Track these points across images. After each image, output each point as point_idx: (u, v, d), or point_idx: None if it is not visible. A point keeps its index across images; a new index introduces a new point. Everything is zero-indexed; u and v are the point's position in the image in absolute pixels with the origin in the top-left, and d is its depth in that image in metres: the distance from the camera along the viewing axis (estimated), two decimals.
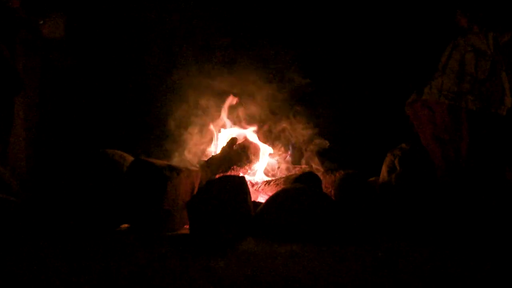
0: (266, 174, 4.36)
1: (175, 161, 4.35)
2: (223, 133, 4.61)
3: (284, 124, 4.60)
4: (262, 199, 3.85)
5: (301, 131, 4.55)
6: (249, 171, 4.22)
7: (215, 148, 4.54)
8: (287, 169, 4.29)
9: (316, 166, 4.23)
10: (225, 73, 4.73)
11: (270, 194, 3.69)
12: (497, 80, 4.06)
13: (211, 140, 4.62)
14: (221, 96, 4.72)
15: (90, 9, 4.98)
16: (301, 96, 4.67)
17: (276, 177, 4.15)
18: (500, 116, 4.00)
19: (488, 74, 4.12)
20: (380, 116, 4.59)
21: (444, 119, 4.25)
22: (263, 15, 4.86)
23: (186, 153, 4.51)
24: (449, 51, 4.29)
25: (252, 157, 4.27)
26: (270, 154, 4.45)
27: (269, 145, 4.51)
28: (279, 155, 4.46)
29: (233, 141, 4.35)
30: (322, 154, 4.34)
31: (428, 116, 4.37)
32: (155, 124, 4.77)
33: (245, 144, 4.33)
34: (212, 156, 4.23)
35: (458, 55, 4.24)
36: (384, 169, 3.66)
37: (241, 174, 4.11)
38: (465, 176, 4.00)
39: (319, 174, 3.97)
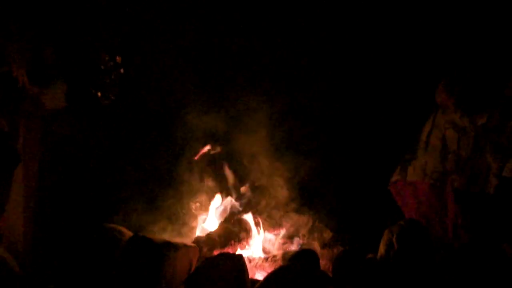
0: (264, 250, 4.22)
1: (172, 236, 4.19)
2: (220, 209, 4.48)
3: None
4: (259, 275, 3.73)
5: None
6: (246, 247, 4.09)
7: (213, 223, 4.41)
8: (285, 244, 4.18)
9: (314, 241, 4.15)
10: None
11: (268, 271, 3.59)
12: (481, 158, 4.12)
13: (208, 215, 4.50)
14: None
15: (91, 78, 4.81)
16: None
17: (274, 254, 4.03)
18: (487, 194, 4.04)
19: (471, 151, 4.18)
20: (377, 189, 4.56)
21: (428, 196, 4.26)
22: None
23: (183, 228, 4.35)
24: (429, 128, 4.36)
25: (250, 232, 4.15)
26: (267, 230, 4.34)
27: (265, 221, 4.41)
28: (277, 230, 4.35)
29: (231, 216, 4.26)
30: (319, 229, 4.28)
31: (411, 194, 4.36)
32: (152, 197, 4.66)
33: (243, 219, 4.24)
34: (210, 232, 4.10)
35: (439, 132, 4.31)
36: (382, 247, 3.59)
37: (238, 250, 4.00)
38: (454, 253, 3.97)
39: (317, 248, 3.91)
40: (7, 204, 3.64)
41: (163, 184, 4.71)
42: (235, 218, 4.26)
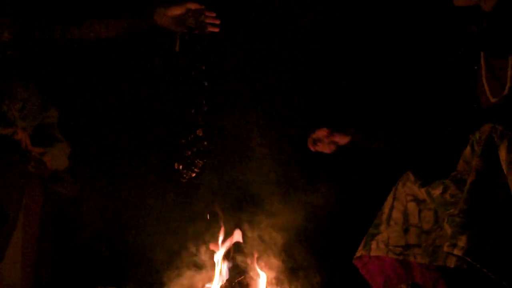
0: None
1: None
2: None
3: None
4: None
5: None
6: None
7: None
8: None
9: None
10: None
11: None
12: (442, 231, 3.98)
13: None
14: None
15: (94, 136, 5.19)
16: None
17: None
18: (448, 268, 3.89)
19: (432, 224, 4.05)
20: None
21: (395, 269, 4.14)
22: None
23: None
24: (391, 201, 4.22)
25: None
26: None
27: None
28: None
29: (233, 278, 4.28)
30: None
31: (378, 267, 4.22)
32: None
33: (246, 281, 4.26)
34: None
35: (401, 205, 4.18)
36: None
37: None
38: None
39: None
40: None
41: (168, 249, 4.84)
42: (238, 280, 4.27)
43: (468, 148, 3.76)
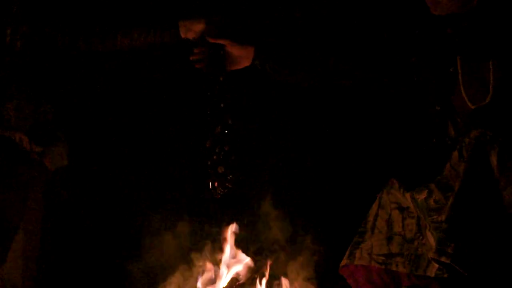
0: None
1: None
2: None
3: None
4: None
5: None
6: None
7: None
8: None
9: None
10: None
11: None
12: (424, 239, 3.93)
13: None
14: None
15: (94, 137, 5.25)
16: None
17: None
18: (428, 277, 3.83)
19: (415, 232, 3.97)
20: None
21: (382, 277, 4.07)
22: None
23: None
24: (376, 209, 4.15)
25: None
26: None
27: None
28: None
29: (233, 281, 4.29)
30: None
31: (365, 276, 4.13)
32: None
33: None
34: None
35: (385, 213, 4.11)
36: None
37: None
38: None
39: None
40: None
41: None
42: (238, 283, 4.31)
43: (456, 153, 3.67)
